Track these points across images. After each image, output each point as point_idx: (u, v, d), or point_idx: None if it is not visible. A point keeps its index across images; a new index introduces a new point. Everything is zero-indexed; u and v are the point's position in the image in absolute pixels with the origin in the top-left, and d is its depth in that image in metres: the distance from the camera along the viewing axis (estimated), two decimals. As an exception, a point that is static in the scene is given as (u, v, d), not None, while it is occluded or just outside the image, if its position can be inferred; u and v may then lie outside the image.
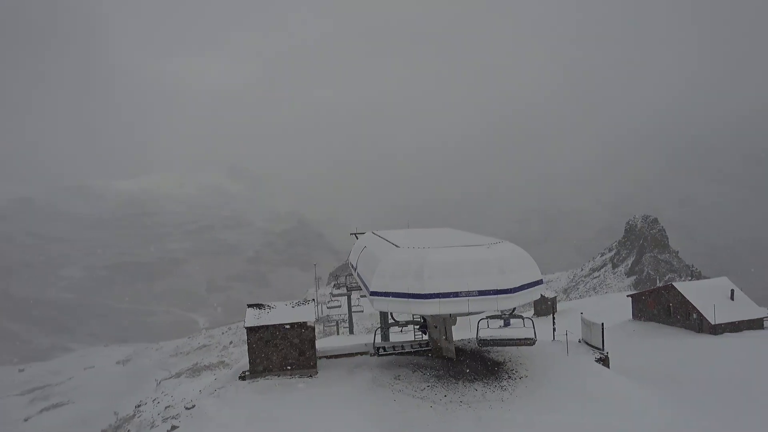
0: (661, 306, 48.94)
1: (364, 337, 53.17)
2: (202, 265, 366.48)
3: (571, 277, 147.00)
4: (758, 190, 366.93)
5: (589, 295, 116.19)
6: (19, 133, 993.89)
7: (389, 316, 32.81)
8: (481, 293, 22.84)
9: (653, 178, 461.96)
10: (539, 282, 25.35)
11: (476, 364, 27.83)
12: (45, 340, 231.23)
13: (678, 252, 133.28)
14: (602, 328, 30.27)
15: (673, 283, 49.91)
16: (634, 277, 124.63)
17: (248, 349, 27.59)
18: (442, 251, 24.23)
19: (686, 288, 48.12)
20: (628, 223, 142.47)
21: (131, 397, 72.98)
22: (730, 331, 43.45)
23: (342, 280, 62.91)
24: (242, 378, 27.42)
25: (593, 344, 30.76)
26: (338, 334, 67.64)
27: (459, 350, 29.74)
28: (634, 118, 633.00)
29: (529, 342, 28.38)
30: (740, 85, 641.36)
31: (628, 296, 56.12)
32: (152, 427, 36.49)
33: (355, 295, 57.01)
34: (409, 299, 23.13)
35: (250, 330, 27.39)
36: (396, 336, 36.60)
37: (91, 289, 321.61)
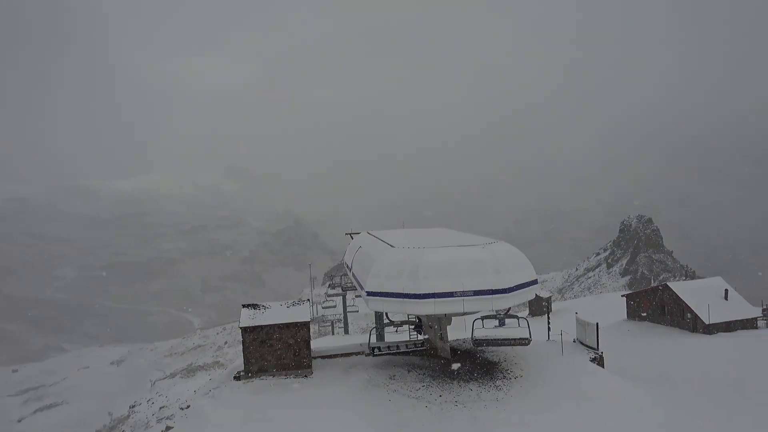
0: (656, 306, 49.12)
1: (359, 337, 53.17)
2: (197, 265, 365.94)
3: (566, 277, 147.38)
4: (758, 190, 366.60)
5: (584, 295, 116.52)
6: (18, 133, 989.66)
7: (384, 316, 32.79)
8: (477, 293, 22.83)
9: (653, 178, 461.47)
10: (534, 282, 25.38)
11: (471, 364, 27.89)
12: (39, 341, 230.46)
13: (672, 252, 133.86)
14: (597, 328, 30.35)
15: (668, 283, 50.13)
16: (629, 276, 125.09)
17: (243, 349, 27.57)
18: (438, 251, 24.22)
19: (680, 288, 48.31)
20: (622, 223, 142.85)
21: (126, 398, 72.76)
22: (724, 331, 43.65)
23: (337, 280, 63.03)
24: (237, 378, 27.39)
25: (588, 344, 30.84)
26: (333, 334, 67.63)
27: (454, 350, 29.78)
28: (634, 118, 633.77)
29: (524, 342, 28.40)
30: (740, 85, 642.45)
31: (622, 296, 56.31)
32: (147, 427, 36.45)
33: (350, 295, 57.09)
34: (405, 299, 23.11)
35: (245, 330, 27.37)
36: (391, 336, 36.56)
37: (85, 290, 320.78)
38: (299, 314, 28.09)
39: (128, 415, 58.44)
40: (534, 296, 26.17)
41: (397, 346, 29.43)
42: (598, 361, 29.32)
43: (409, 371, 27.19)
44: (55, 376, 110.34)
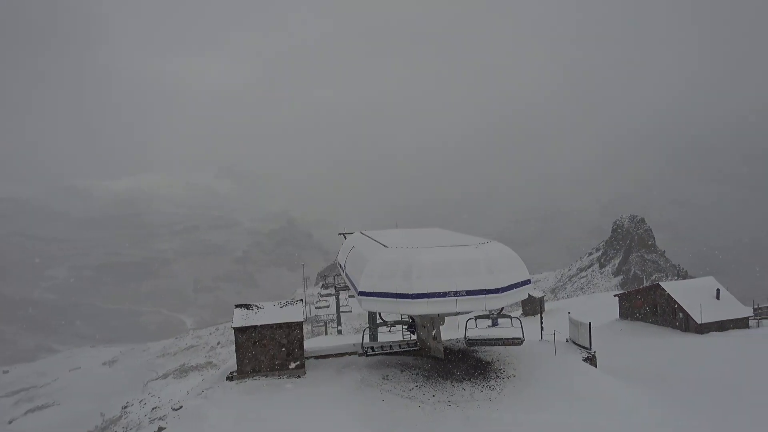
0: (648, 305, 49.31)
1: (353, 337, 53.16)
2: (189, 266, 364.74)
3: (559, 276, 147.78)
4: (758, 190, 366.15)
5: (577, 295, 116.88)
6: (18, 133, 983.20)
7: (377, 316, 32.77)
8: (470, 293, 22.86)
9: (653, 178, 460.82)
10: (527, 282, 25.44)
11: (464, 364, 27.90)
12: (30, 341, 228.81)
13: (665, 252, 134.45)
14: (589, 328, 30.44)
15: (660, 283, 50.34)
16: (621, 276, 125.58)
17: (236, 349, 27.44)
18: (431, 251, 24.22)
19: (673, 287, 48.51)
20: (615, 222, 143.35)
21: (118, 399, 72.49)
22: (716, 330, 43.85)
23: (330, 280, 62.82)
24: (230, 378, 27.28)
25: (581, 344, 30.92)
26: (326, 334, 67.54)
27: (447, 350, 29.79)
28: (634, 118, 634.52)
29: (517, 342, 28.47)
30: (740, 85, 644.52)
31: (615, 296, 56.51)
32: (139, 428, 36.19)
33: (343, 295, 56.96)
34: (398, 299, 23.11)
35: (238, 330, 27.25)
36: (384, 336, 36.55)
37: (77, 290, 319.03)
38: (292, 314, 28.01)
39: (120, 416, 58.24)
40: (527, 296, 26.18)
41: (390, 346, 29.42)
42: (591, 360, 29.40)
43: (402, 371, 27.18)
44: (46, 377, 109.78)
